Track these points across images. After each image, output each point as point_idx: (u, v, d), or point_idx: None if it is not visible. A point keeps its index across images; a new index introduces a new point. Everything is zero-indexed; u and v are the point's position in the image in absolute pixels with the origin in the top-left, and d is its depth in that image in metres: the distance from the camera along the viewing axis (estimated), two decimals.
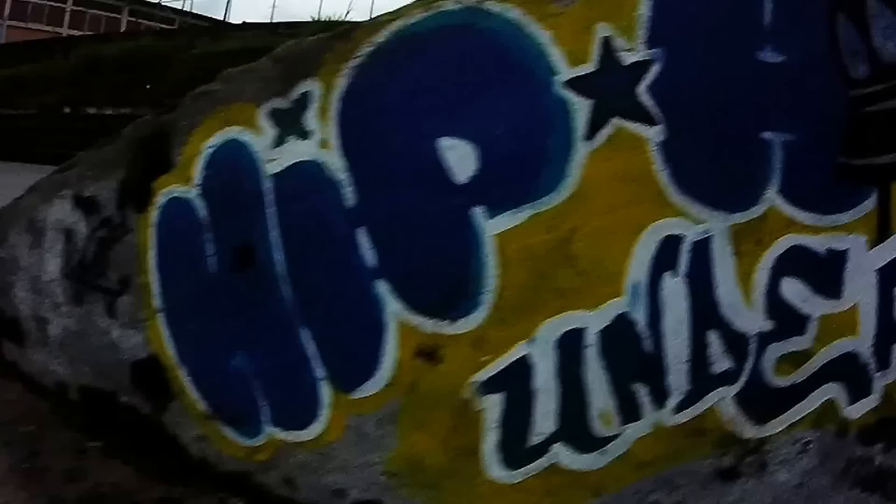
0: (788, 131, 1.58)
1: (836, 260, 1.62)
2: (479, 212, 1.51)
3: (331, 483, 1.67)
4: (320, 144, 1.60)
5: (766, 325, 1.57)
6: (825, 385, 1.65)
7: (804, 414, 1.65)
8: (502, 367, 1.53)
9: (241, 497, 1.76)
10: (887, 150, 1.66)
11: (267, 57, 1.70)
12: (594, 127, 1.50)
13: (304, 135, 1.62)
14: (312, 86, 1.62)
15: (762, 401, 1.62)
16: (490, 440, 1.56)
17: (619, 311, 1.51)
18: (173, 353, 1.79)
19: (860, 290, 1.64)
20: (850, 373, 1.67)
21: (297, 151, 1.62)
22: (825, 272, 1.62)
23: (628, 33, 1.53)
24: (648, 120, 1.51)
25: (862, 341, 1.66)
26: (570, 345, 1.52)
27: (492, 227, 1.50)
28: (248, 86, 1.69)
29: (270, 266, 1.63)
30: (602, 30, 1.53)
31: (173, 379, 1.80)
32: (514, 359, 1.53)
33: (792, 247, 1.58)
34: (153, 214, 1.79)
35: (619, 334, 1.52)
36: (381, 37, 1.60)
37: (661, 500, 1.64)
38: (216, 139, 1.71)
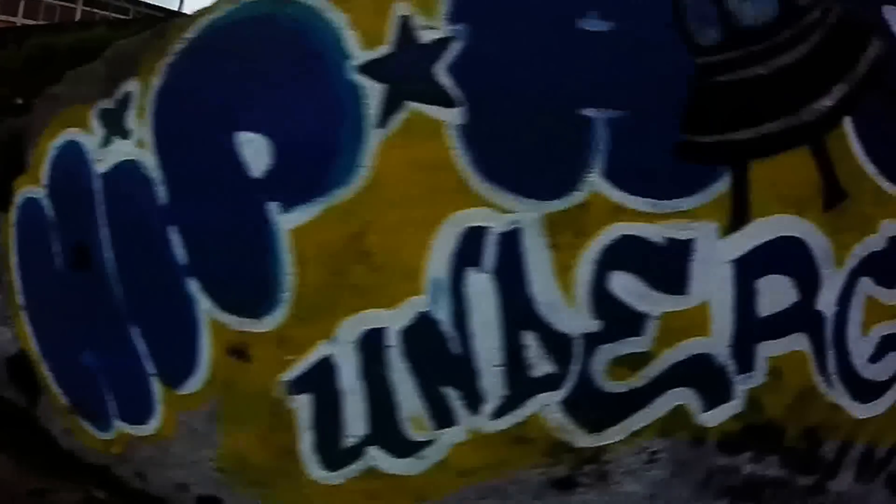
0: (616, 107, 1.41)
1: (678, 251, 1.44)
2: (274, 207, 1.45)
3: (174, 478, 1.69)
4: (138, 144, 1.60)
5: (593, 326, 1.43)
6: (672, 390, 1.49)
7: (649, 422, 1.50)
8: (307, 368, 1.48)
9: (103, 489, 1.82)
10: (745, 125, 1.46)
11: (100, 57, 1.71)
12: (387, 112, 1.40)
13: (125, 134, 1.62)
14: (133, 85, 1.62)
15: (595, 408, 1.48)
16: (306, 441, 1.52)
17: (420, 310, 1.41)
18: (36, 349, 1.87)
19: (710, 284, 1.46)
20: (702, 377, 1.49)
21: (120, 151, 1.62)
22: (665, 265, 1.44)
23: (428, 10, 1.41)
24: (447, 102, 1.39)
25: (716, 342, 1.48)
26: (372, 345, 1.44)
27: (287, 222, 1.44)
28: (84, 87, 1.71)
29: (103, 265, 1.65)
30: (400, 8, 1.42)
31: (39, 374, 1.88)
32: (317, 359, 1.47)
33: (621, 237, 1.41)
34: (13, 214, 1.86)
35: (421, 334, 1.42)
36: (191, 33, 1.56)
37: None
38: (59, 140, 1.75)
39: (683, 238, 1.42)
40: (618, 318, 1.43)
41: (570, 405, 1.45)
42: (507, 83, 1.39)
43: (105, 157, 1.65)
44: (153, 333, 1.61)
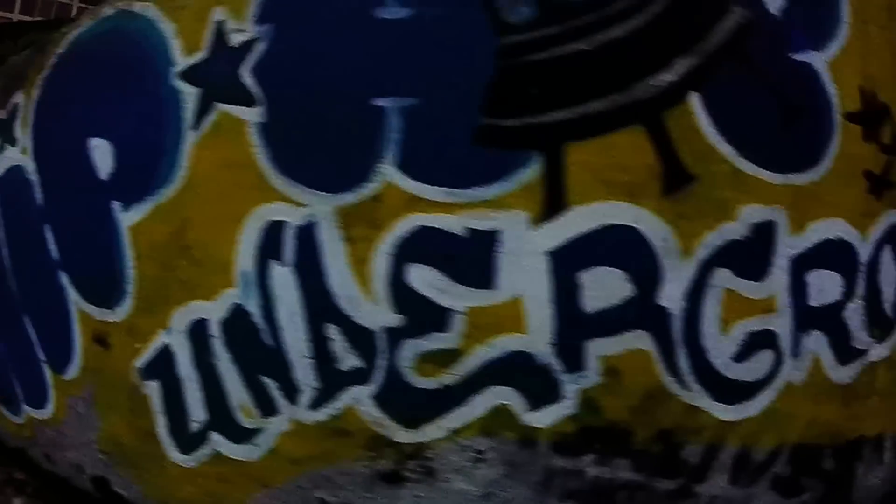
0: (410, 95, 1.37)
1: (482, 243, 1.37)
2: (117, 206, 1.57)
3: (71, 459, 1.86)
4: (22, 151, 1.78)
5: (394, 320, 1.41)
6: (490, 389, 1.43)
7: (468, 420, 1.46)
8: (152, 355, 1.59)
9: (23, 471, 2.03)
10: (560, 106, 1.36)
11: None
12: (200, 115, 1.46)
13: (14, 142, 1.81)
14: (20, 97, 1.81)
15: (407, 403, 1.46)
16: (161, 425, 1.64)
17: (234, 302, 1.47)
18: None
19: (522, 278, 1.38)
20: (522, 376, 1.43)
21: (10, 158, 1.81)
22: (467, 258, 1.39)
23: (238, 14, 1.45)
24: (249, 102, 1.42)
25: (534, 339, 1.40)
26: (199, 335, 1.52)
27: (126, 220, 1.56)
28: None
29: (1, 260, 1.87)
30: (216, 14, 1.47)
31: None
32: (159, 347, 1.58)
33: (418, 228, 1.38)
34: None
35: (237, 325, 1.48)
36: (61, 48, 1.73)
37: (328, 499, 1.58)
38: None
39: (487, 229, 1.36)
40: (419, 313, 1.39)
41: (381, 400, 1.44)
42: (302, 79, 1.40)
43: (0, 163, 1.87)
44: (39, 323, 1.79)
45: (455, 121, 1.34)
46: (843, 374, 1.63)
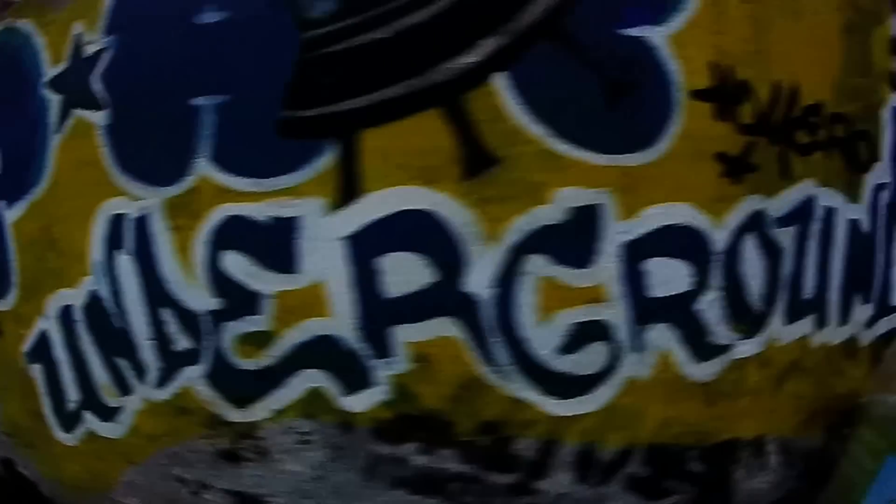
0: (223, 93, 1.46)
1: (284, 230, 1.44)
2: (3, 205, 1.75)
3: None
4: None
5: (215, 304, 1.49)
6: (304, 371, 1.50)
7: (288, 402, 1.52)
8: (34, 340, 1.75)
9: None
10: (352, 94, 1.41)
11: None
12: (61, 119, 1.62)
13: None
14: None
15: (233, 383, 1.54)
16: (47, 405, 1.80)
17: (91, 289, 1.61)
18: None
19: (322, 263, 1.44)
20: (332, 359, 1.48)
21: None
22: (272, 244, 1.45)
23: (92, 26, 1.60)
24: (97, 106, 1.57)
25: (339, 323, 1.45)
26: (67, 320, 1.67)
27: (9, 217, 1.73)
28: None
29: None
30: (76, 27, 1.63)
31: None
32: (38, 333, 1.74)
33: (228, 217, 1.46)
34: None
35: (94, 310, 1.61)
36: None
37: (184, 476, 1.68)
38: None
39: (288, 216, 1.43)
40: (235, 297, 1.48)
41: (212, 379, 1.54)
42: (136, 84, 1.52)
43: None
44: None
45: (261, 115, 1.43)
46: (701, 372, 1.55)
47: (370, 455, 1.51)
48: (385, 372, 1.44)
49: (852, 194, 1.72)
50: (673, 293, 1.49)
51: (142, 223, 1.55)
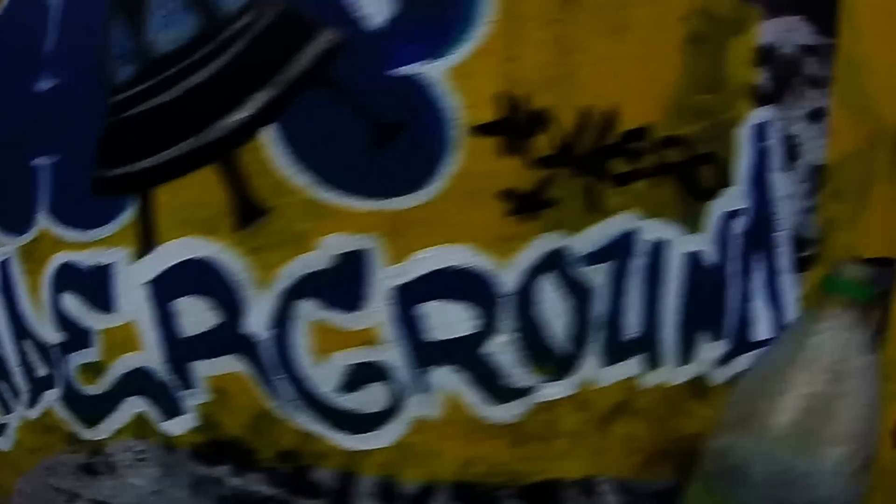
0: (56, 153, 1.66)
1: (103, 275, 1.64)
2: None
3: None
4: None
5: (59, 337, 1.71)
6: (130, 398, 1.69)
7: (122, 423, 1.72)
8: None
9: None
10: (146, 154, 1.56)
11: None
12: None
13: None
14: None
15: (81, 406, 1.78)
16: None
17: None
18: None
19: (132, 305, 1.63)
20: (149, 389, 1.66)
21: None
22: (96, 287, 1.65)
23: None
24: None
25: (150, 358, 1.63)
26: None
27: None
28: None
29: None
30: None
31: None
32: None
33: (62, 264, 1.68)
34: None
35: None
36: None
37: (59, 486, 1.95)
38: None
39: (105, 262, 1.62)
40: (73, 332, 1.70)
41: (65, 402, 1.78)
42: None
43: None
44: None
45: (82, 174, 1.63)
46: (501, 413, 1.56)
47: (192, 475, 1.70)
48: (191, 401, 1.62)
49: (691, 224, 1.63)
50: (455, 336, 1.53)
51: (6, 266, 1.83)
